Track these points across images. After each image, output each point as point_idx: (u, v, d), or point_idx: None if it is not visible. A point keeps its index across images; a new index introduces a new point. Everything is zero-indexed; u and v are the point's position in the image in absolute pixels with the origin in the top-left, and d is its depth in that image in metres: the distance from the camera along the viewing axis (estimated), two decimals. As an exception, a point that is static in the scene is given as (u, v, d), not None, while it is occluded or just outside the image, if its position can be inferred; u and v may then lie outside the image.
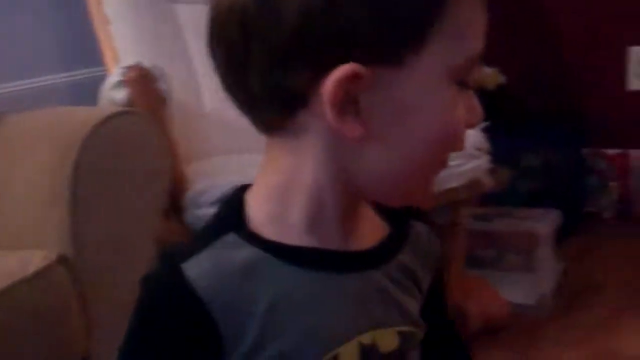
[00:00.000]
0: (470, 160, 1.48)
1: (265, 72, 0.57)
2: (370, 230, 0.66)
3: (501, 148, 2.41)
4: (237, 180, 0.67)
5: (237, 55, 0.58)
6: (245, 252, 0.60)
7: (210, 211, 1.37)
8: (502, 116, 2.56)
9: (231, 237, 0.61)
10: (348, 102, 0.56)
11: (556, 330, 1.85)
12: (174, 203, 1.33)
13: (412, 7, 0.55)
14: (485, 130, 1.58)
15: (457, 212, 1.58)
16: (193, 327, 0.59)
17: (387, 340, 0.64)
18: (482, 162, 1.51)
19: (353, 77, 0.55)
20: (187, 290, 0.59)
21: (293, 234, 0.62)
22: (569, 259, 2.18)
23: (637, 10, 2.46)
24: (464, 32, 0.58)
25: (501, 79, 2.47)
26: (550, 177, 2.39)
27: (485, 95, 2.42)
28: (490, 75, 2.44)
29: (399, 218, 0.68)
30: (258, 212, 0.62)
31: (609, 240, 2.37)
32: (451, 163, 1.21)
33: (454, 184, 1.47)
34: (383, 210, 0.67)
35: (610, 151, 2.52)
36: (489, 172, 1.54)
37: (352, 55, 0.55)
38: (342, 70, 0.55)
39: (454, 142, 0.60)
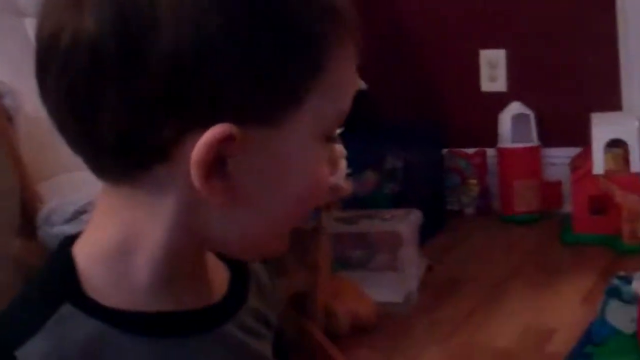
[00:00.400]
0: (327, 164, 1.50)
1: (121, 120, 0.51)
2: (217, 277, 0.61)
3: (365, 152, 2.49)
4: (90, 195, 0.62)
5: (84, 95, 0.51)
6: (86, 328, 0.54)
7: (64, 229, 1.35)
8: (364, 121, 2.64)
9: (66, 309, 0.54)
10: (216, 164, 0.52)
11: (424, 326, 1.91)
12: (28, 222, 1.29)
13: (289, 69, 0.53)
14: (342, 135, 1.61)
15: (319, 217, 1.61)
16: None
17: None
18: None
19: (226, 139, 0.51)
20: None
21: (139, 298, 0.55)
22: (434, 256, 2.25)
23: (487, 15, 2.58)
24: (338, 92, 0.56)
25: (361, 84, 2.53)
26: (412, 178, 2.46)
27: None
28: (352, 81, 2.49)
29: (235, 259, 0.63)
30: (94, 274, 0.55)
31: (471, 236, 2.47)
32: None
33: (313, 189, 1.49)
34: (219, 253, 0.62)
35: (468, 150, 2.63)
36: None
37: (224, 114, 0.51)
38: (215, 131, 0.51)
39: (320, 197, 0.58)
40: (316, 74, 0.54)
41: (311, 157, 0.56)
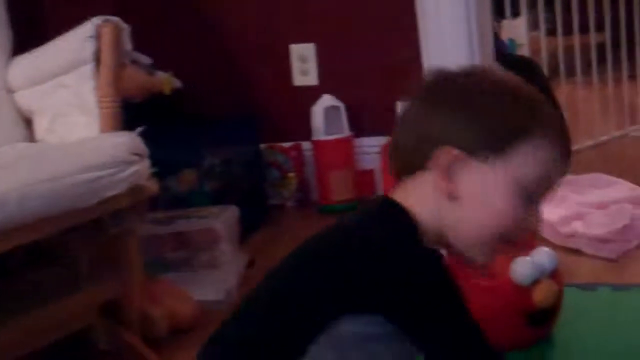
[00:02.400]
0: (127, 166, 1.48)
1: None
2: None
3: (183, 150, 2.46)
4: None
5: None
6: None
7: None
8: (180, 119, 2.61)
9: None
10: (448, 171, 0.92)
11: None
12: None
13: (502, 125, 0.91)
14: (158, 133, 1.59)
15: (126, 220, 1.58)
16: None
17: None
18: (142, 167, 1.51)
19: (455, 158, 0.91)
20: None
21: None
22: (256, 251, 2.26)
23: (296, 9, 2.62)
24: (540, 163, 0.92)
25: (176, 82, 2.51)
26: (231, 175, 2.47)
27: (163, 100, 2.46)
28: (166, 80, 2.46)
29: None
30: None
31: (292, 228, 2.50)
32: (106, 172, 1.22)
33: (114, 192, 1.46)
34: None
35: (285, 144, 2.66)
36: (151, 176, 1.55)
37: (460, 146, 0.91)
38: (451, 151, 0.91)
39: (511, 235, 0.94)
40: (521, 134, 0.91)
41: (502, 202, 0.92)
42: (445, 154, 0.91)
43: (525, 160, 0.91)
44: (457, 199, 0.92)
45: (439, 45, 2.49)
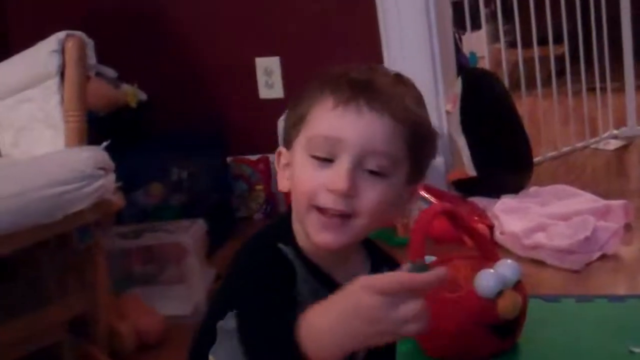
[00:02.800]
0: (93, 180, 1.47)
1: None
2: None
3: (150, 164, 2.45)
4: None
5: None
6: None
7: None
8: (147, 133, 2.61)
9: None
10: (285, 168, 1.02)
11: (212, 335, 1.91)
12: None
13: (298, 108, 1.00)
14: (115, 147, 1.59)
15: (92, 234, 1.57)
16: None
17: None
18: (107, 181, 1.51)
19: (280, 156, 1.02)
20: None
21: None
22: (224, 265, 2.25)
23: (261, 23, 2.64)
24: (317, 120, 0.96)
25: (142, 95, 2.50)
26: (199, 188, 2.46)
27: (128, 113, 2.45)
28: (131, 93, 2.45)
29: None
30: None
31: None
32: (72, 186, 1.24)
33: (80, 207, 1.46)
34: None
35: (252, 157, 2.67)
36: (117, 190, 1.55)
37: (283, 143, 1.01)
38: (278, 152, 1.02)
39: (319, 201, 0.95)
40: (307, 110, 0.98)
41: (301, 164, 0.97)
42: (277, 156, 1.02)
43: (309, 125, 0.96)
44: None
45: (401, 57, 2.52)
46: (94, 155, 1.50)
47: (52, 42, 1.61)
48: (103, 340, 1.69)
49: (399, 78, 1.01)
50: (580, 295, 1.84)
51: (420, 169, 1.01)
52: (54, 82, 1.60)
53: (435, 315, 0.85)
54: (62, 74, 1.60)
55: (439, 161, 2.49)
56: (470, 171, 2.46)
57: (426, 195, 2.21)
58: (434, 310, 0.84)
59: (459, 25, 3.16)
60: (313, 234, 0.96)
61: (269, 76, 2.65)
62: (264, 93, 2.67)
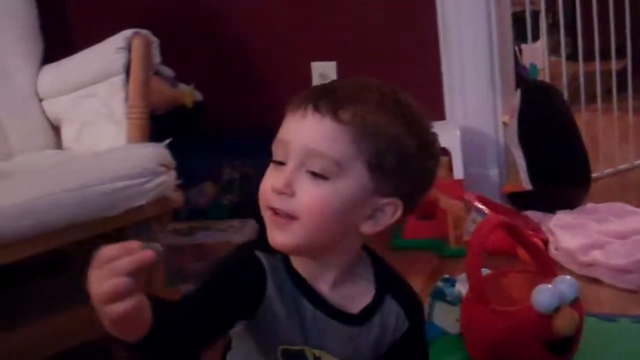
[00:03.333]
0: (155, 177, 1.49)
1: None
2: None
3: (203, 164, 2.47)
4: None
5: None
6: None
7: None
8: (201, 132, 2.63)
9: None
10: None
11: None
12: None
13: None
14: (170, 146, 1.60)
15: (150, 230, 1.58)
16: None
17: None
18: (168, 178, 1.52)
19: None
20: None
21: None
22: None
23: (316, 28, 2.64)
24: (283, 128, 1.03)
25: (198, 95, 2.52)
26: (249, 189, 2.47)
27: (185, 113, 2.47)
28: (188, 93, 2.48)
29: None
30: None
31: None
32: (135, 181, 1.26)
33: (140, 202, 1.47)
34: None
35: (304, 160, 2.66)
36: (176, 188, 1.56)
37: None
38: None
39: (269, 202, 1.00)
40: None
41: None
42: None
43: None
44: None
45: (461, 69, 2.50)
46: (157, 152, 1.52)
47: (119, 40, 1.63)
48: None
49: (380, 90, 1.00)
50: (637, 316, 1.80)
51: (396, 183, 0.98)
52: (120, 78, 1.61)
53: (489, 328, 0.83)
54: (127, 71, 1.62)
55: (493, 173, 2.47)
56: (526, 184, 2.43)
57: (481, 207, 2.19)
58: (490, 322, 0.82)
59: (520, 36, 3.12)
60: (268, 234, 0.99)
61: (324, 80, 2.65)
62: (319, 97, 2.67)
